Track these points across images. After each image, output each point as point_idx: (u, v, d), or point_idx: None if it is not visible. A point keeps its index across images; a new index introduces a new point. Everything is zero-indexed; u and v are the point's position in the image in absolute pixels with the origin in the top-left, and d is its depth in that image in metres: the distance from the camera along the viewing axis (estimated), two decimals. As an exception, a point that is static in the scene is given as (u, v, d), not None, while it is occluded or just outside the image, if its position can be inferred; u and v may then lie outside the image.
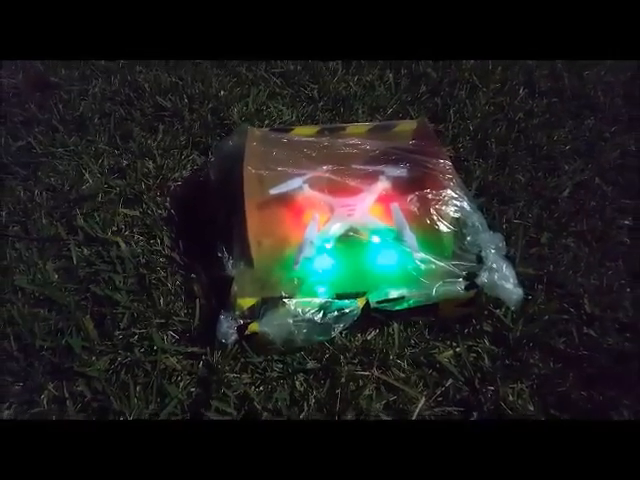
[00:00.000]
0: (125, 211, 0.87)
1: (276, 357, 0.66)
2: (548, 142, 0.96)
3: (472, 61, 1.17)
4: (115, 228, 0.84)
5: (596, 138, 0.97)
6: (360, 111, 1.07)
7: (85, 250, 0.81)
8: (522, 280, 0.68)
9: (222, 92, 1.12)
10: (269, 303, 0.65)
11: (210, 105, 1.09)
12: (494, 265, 0.64)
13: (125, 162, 0.96)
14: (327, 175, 0.75)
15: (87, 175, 0.94)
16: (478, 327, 0.68)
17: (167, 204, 0.88)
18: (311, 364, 0.65)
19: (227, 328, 0.64)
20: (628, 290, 0.70)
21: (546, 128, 0.99)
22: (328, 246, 0.71)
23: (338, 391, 0.62)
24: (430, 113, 1.04)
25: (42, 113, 1.09)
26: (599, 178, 0.89)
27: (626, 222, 0.81)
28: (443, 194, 0.68)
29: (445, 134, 0.98)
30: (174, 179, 0.93)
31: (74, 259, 0.79)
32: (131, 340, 0.68)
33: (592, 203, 0.84)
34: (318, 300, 0.64)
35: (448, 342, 0.67)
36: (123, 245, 0.80)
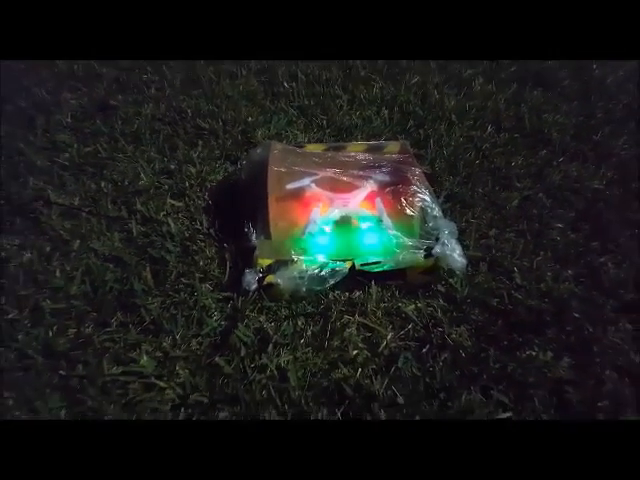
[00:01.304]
0: (172, 202, 1.16)
1: (285, 303, 0.92)
2: (506, 166, 1.25)
3: (453, 102, 1.49)
4: (164, 213, 1.13)
5: (545, 165, 1.27)
6: (359, 137, 1.38)
7: (142, 227, 1.09)
8: (470, 259, 0.95)
9: (250, 118, 1.44)
10: (282, 263, 0.92)
11: (240, 128, 1.40)
12: (446, 242, 0.91)
13: (172, 166, 1.26)
14: (329, 176, 1.04)
15: (142, 174, 1.24)
16: (435, 289, 0.94)
17: (205, 197, 1.17)
18: (310, 309, 0.92)
19: (250, 279, 0.91)
20: (550, 271, 0.96)
21: (506, 156, 1.29)
22: (327, 229, 0.99)
23: (329, 327, 0.88)
24: (415, 141, 1.34)
25: (105, 127, 1.42)
26: (543, 194, 1.17)
27: (559, 225, 1.08)
28: (412, 191, 0.96)
29: (425, 157, 1.28)
30: (210, 180, 1.23)
31: (134, 232, 1.07)
32: (178, 287, 0.95)
33: (534, 211, 1.12)
34: (317, 262, 0.92)
35: (412, 299, 0.93)
36: (172, 224, 1.08)
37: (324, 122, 1.45)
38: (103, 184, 1.21)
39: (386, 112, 1.49)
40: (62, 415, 0.76)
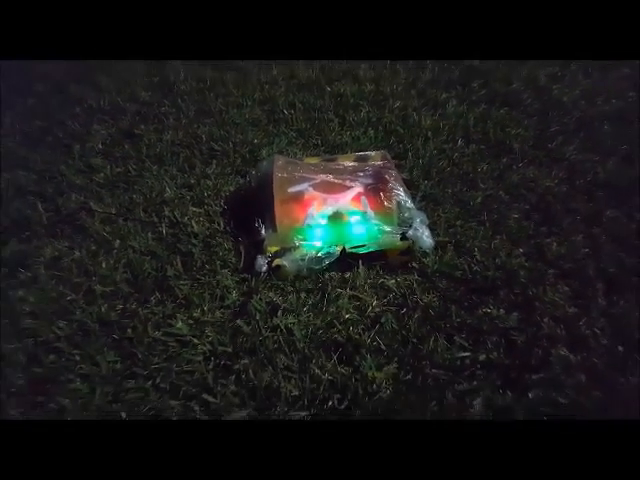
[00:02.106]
0: (193, 209, 1.42)
1: (290, 281, 1.16)
2: (472, 171, 1.51)
3: (429, 121, 1.76)
4: (188, 217, 1.38)
5: (506, 169, 1.53)
6: (349, 152, 1.64)
7: (170, 229, 1.34)
8: (439, 243, 1.20)
9: (255, 140, 1.72)
10: (286, 249, 1.17)
11: (247, 148, 1.68)
12: (417, 227, 1.16)
13: (192, 181, 1.53)
14: (324, 181, 1.30)
15: (167, 188, 1.50)
16: (410, 267, 1.18)
17: (221, 204, 1.42)
18: (310, 285, 1.16)
19: (261, 263, 1.16)
20: (504, 250, 1.20)
21: (473, 163, 1.55)
22: (322, 221, 1.24)
23: (325, 298, 1.12)
24: (396, 154, 1.61)
25: (133, 151, 1.69)
26: (502, 192, 1.42)
27: (514, 215, 1.33)
28: (389, 189, 1.22)
29: (405, 166, 1.54)
30: (224, 191, 1.49)
31: (164, 232, 1.33)
32: (203, 272, 1.19)
33: (494, 205, 1.37)
34: (315, 247, 1.16)
35: (392, 275, 1.17)
36: (195, 225, 1.34)
37: (319, 141, 1.72)
38: (135, 197, 1.48)
39: (372, 132, 1.77)
40: (118, 366, 1.00)
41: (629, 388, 0.91)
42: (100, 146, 1.74)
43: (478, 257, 1.20)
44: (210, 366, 1.00)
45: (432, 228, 1.24)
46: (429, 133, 1.71)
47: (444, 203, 1.39)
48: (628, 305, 1.06)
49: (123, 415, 0.92)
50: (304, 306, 1.11)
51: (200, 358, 1.01)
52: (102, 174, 1.59)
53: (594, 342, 0.99)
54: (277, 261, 1.16)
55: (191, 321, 1.09)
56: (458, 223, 1.31)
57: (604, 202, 1.37)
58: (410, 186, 1.41)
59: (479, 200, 1.40)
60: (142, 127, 1.86)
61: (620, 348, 0.98)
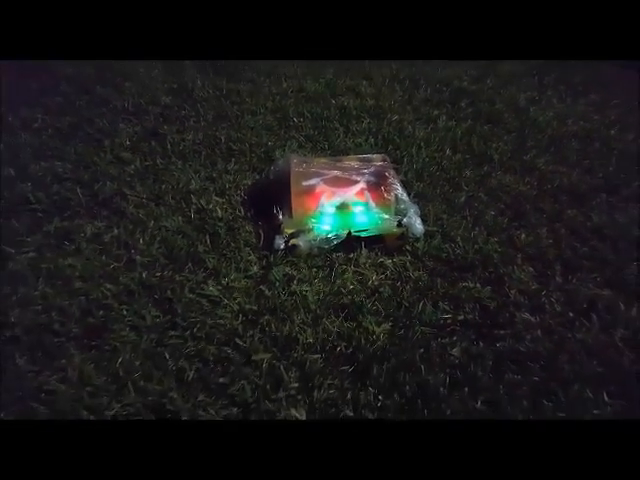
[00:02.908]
0: (217, 198, 1.66)
1: (303, 259, 1.39)
2: (458, 176, 1.79)
3: (422, 133, 2.04)
4: (212, 205, 1.61)
5: (486, 175, 1.80)
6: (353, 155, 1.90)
7: (197, 214, 1.57)
8: (429, 232, 1.46)
9: (269, 142, 1.97)
10: (300, 231, 1.41)
11: (262, 149, 1.93)
12: (411, 216, 1.41)
13: (214, 175, 1.77)
14: (333, 176, 1.55)
15: (192, 180, 1.73)
16: (405, 249, 1.43)
17: (241, 195, 1.66)
18: (320, 263, 1.39)
19: (279, 242, 1.40)
20: (481, 238, 1.46)
21: (459, 169, 1.83)
22: (331, 210, 1.48)
23: (333, 273, 1.36)
24: (393, 159, 1.87)
25: (159, 148, 1.92)
26: (482, 194, 1.69)
27: (491, 212, 1.60)
28: (388, 184, 1.48)
29: (400, 169, 1.81)
30: (244, 184, 1.73)
31: (192, 216, 1.55)
32: (229, 249, 1.42)
33: (475, 204, 1.63)
34: (325, 231, 1.40)
35: (390, 256, 1.42)
36: (219, 211, 1.57)
37: (326, 145, 1.99)
38: (163, 186, 1.71)
39: (372, 140, 2.04)
40: (160, 319, 1.22)
41: (575, 341, 1.17)
42: (128, 142, 1.98)
43: (460, 243, 1.45)
44: (239, 320, 1.23)
45: (423, 219, 1.50)
46: (422, 143, 1.99)
47: (433, 200, 1.65)
48: (579, 282, 1.33)
49: (166, 356, 1.14)
50: (315, 278, 1.35)
51: (230, 315, 1.24)
52: (132, 166, 1.82)
53: (550, 308, 1.25)
54: (293, 241, 1.40)
55: (220, 287, 1.32)
56: (444, 217, 1.57)
57: (566, 204, 1.66)
58: (405, 186, 1.67)
59: (462, 199, 1.67)
60: (165, 127, 2.10)
61: (571, 314, 1.24)
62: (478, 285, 1.32)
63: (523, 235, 1.49)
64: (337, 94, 2.45)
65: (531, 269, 1.38)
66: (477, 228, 1.52)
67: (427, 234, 1.48)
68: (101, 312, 1.24)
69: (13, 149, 1.89)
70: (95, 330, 1.20)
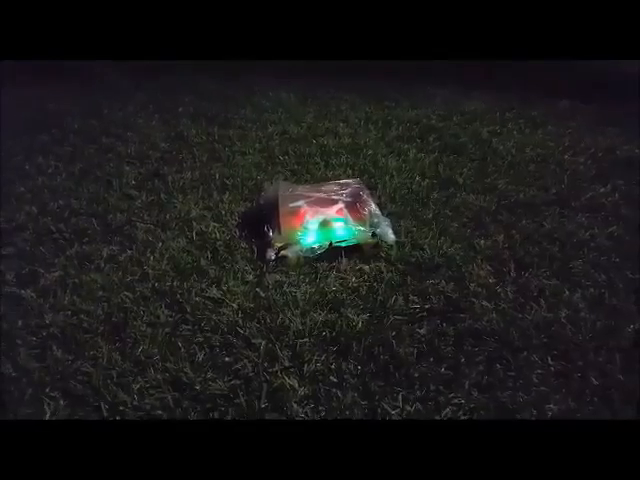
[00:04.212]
0: (214, 224, 1.94)
1: (291, 268, 1.66)
2: (427, 197, 2.10)
3: (394, 163, 2.37)
4: (211, 228, 1.89)
5: (451, 196, 2.12)
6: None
7: (198, 236, 1.85)
8: (399, 242, 1.74)
9: (258, 177, 2.30)
10: (289, 244, 1.68)
11: (253, 182, 2.25)
12: (383, 227, 1.70)
13: (211, 204, 2.06)
14: (315, 198, 1.85)
15: (192, 210, 2.03)
16: (379, 256, 1.70)
17: (236, 219, 1.95)
18: (307, 270, 1.66)
19: (270, 254, 1.68)
20: (446, 245, 1.74)
21: (427, 191, 2.15)
22: (314, 226, 1.77)
23: (318, 277, 1.63)
24: (368, 186, 2.18)
25: (161, 185, 2.23)
26: (448, 210, 2.00)
27: (455, 225, 1.89)
28: (363, 201, 1.78)
29: (375, 194, 2.11)
30: (237, 211, 2.02)
31: (194, 238, 1.83)
32: (227, 262, 1.69)
33: (441, 219, 1.93)
34: (310, 242, 1.68)
35: (366, 263, 1.69)
36: (217, 233, 1.86)
37: (308, 177, 2.31)
38: (168, 216, 2.00)
39: (350, 171, 2.38)
40: (172, 318, 1.46)
41: (525, 320, 1.43)
42: (133, 182, 2.29)
43: (428, 250, 1.74)
44: (239, 315, 1.47)
45: (395, 232, 1.79)
46: (394, 172, 2.33)
47: (404, 217, 1.96)
48: (530, 276, 1.61)
49: (179, 344, 1.38)
50: (303, 282, 1.61)
51: (231, 312, 1.49)
52: (139, 200, 2.11)
53: (505, 296, 1.53)
54: (282, 252, 1.68)
55: (222, 291, 1.58)
56: (414, 230, 1.87)
57: (522, 215, 1.97)
58: (379, 207, 1.97)
59: (430, 215, 1.97)
60: (165, 168, 2.42)
61: (522, 299, 1.51)
62: (443, 282, 1.60)
63: (482, 241, 1.79)
64: (317, 135, 2.82)
65: (489, 267, 1.66)
66: (443, 238, 1.82)
67: (399, 244, 1.77)
68: (121, 314, 1.49)
69: (33, 190, 2.19)
70: (118, 327, 1.45)
